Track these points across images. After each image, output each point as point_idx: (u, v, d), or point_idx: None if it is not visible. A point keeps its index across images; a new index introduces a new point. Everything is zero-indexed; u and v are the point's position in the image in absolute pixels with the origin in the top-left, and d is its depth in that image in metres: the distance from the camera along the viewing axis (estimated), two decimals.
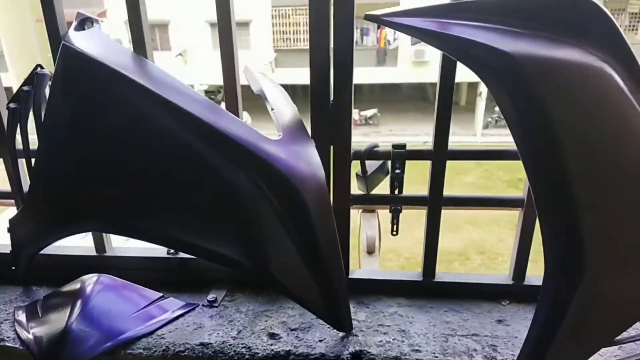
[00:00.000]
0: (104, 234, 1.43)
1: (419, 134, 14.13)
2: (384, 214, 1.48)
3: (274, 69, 18.16)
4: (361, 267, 2.12)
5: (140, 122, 1.04)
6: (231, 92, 1.24)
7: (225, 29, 1.19)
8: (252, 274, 1.18)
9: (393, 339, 1.17)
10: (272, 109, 1.15)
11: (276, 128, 1.09)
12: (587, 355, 1.07)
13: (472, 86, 17.84)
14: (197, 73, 16.65)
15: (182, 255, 1.40)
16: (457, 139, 13.53)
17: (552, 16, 0.86)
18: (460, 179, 11.32)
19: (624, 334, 1.10)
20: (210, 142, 1.00)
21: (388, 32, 16.88)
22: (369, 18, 0.90)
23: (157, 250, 1.42)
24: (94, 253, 1.44)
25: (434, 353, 1.12)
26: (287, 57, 18.02)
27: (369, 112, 16.83)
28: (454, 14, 0.88)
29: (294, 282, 1.10)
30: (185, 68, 16.80)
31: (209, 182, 1.04)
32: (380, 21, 0.88)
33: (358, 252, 2.21)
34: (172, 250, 1.41)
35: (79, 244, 1.49)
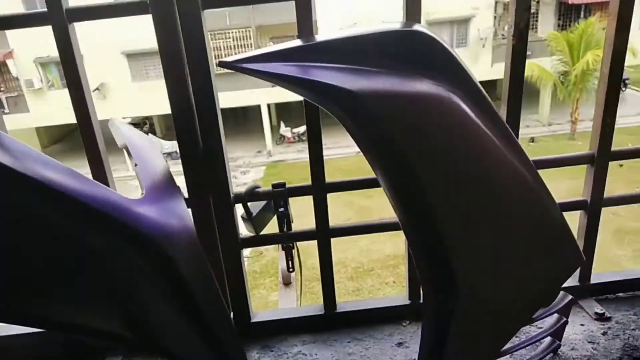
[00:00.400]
0: None
1: (350, 144, 14.40)
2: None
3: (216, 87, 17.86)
4: (279, 300, 2.09)
5: None
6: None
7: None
8: (137, 345, 1.11)
9: None
10: (136, 165, 1.10)
11: (140, 185, 1.05)
12: None
13: None
14: (118, 107, 16.08)
15: None
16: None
17: (394, 51, 0.89)
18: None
19: (511, 343, 1.15)
20: (68, 211, 0.94)
21: None
22: (222, 65, 0.89)
23: None
24: None
25: None
26: (219, 82, 17.74)
27: (301, 129, 16.99)
28: (305, 56, 0.90)
29: (180, 345, 1.05)
30: (105, 102, 16.17)
31: (71, 252, 0.98)
32: (235, 68, 0.88)
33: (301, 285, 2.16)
34: None
35: None
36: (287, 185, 1.23)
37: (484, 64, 13.60)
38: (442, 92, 0.90)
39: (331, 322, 1.34)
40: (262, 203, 1.28)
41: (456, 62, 0.91)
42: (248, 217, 1.26)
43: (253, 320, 1.34)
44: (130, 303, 1.02)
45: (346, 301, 1.37)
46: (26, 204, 0.94)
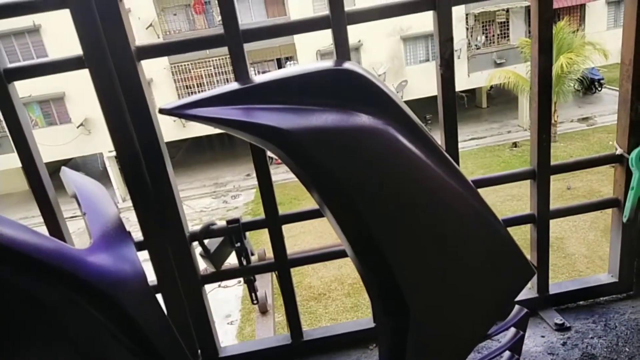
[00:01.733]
0: None
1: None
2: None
3: (184, 124, 17.95)
4: (256, 330, 2.10)
5: None
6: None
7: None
8: None
9: None
10: (85, 213, 1.12)
11: (88, 234, 1.06)
12: None
13: None
14: (103, 141, 16.06)
15: None
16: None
17: (327, 89, 0.93)
18: None
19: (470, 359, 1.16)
20: (15, 265, 0.96)
21: None
22: (162, 112, 0.91)
23: None
24: None
25: None
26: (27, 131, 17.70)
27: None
28: (241, 98, 0.93)
29: None
30: (91, 137, 16.17)
31: (24, 308, 0.98)
32: (176, 115, 0.91)
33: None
34: None
35: None
36: (242, 220, 1.26)
37: (461, 74, 13.86)
38: (377, 125, 0.93)
39: (299, 351, 1.35)
40: (220, 239, 1.30)
41: (387, 96, 0.95)
42: (206, 255, 1.28)
43: (221, 355, 1.35)
44: (89, 352, 1.03)
45: (313, 328, 1.38)
46: None
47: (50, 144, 13.94)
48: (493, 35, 15.37)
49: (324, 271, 8.53)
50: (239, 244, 1.27)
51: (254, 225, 1.27)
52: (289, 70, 1.04)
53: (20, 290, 0.98)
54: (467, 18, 14.45)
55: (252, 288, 1.34)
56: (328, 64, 1.02)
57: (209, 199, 14.15)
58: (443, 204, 1.02)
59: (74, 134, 15.87)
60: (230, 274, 1.33)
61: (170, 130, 17.18)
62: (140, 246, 1.20)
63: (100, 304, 0.98)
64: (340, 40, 1.11)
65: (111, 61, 1.07)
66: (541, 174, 1.26)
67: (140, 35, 17.90)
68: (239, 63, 1.11)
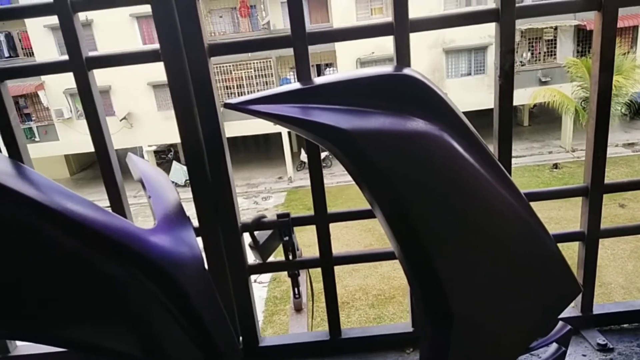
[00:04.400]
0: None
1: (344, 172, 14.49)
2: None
3: (223, 124, 18.34)
4: (289, 327, 2.14)
5: (11, 228, 1.05)
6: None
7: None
8: None
9: None
10: (149, 197, 1.19)
11: (152, 216, 1.13)
12: None
13: None
14: (144, 135, 16.61)
15: None
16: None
17: (386, 93, 0.97)
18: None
19: None
20: (86, 240, 1.03)
21: None
22: (228, 107, 0.98)
23: None
24: None
25: None
26: (233, 111, 18.25)
27: (321, 155, 17.19)
28: (303, 98, 0.98)
29: None
30: (132, 131, 16.74)
31: (88, 278, 1.06)
32: (240, 109, 0.97)
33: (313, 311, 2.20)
34: None
35: None
36: (292, 215, 1.30)
37: None
38: (432, 130, 0.96)
39: (336, 348, 1.38)
40: (269, 232, 1.35)
41: (444, 102, 0.98)
42: (255, 246, 1.33)
43: (261, 344, 1.40)
44: (142, 326, 1.09)
45: (350, 328, 1.41)
46: (48, 234, 1.03)
47: None
48: (539, 53, 15.04)
49: (349, 280, 8.50)
50: (287, 238, 1.31)
51: (303, 221, 1.32)
52: (348, 73, 1.08)
53: (87, 264, 1.05)
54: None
55: (295, 282, 1.38)
56: (388, 69, 1.05)
57: (241, 198, 14.37)
58: (494, 213, 1.03)
59: (117, 127, 16.46)
60: (276, 267, 1.38)
61: None
62: (195, 232, 1.26)
63: (160, 282, 1.04)
64: (402, 47, 1.14)
65: (185, 56, 1.14)
66: (594, 191, 1.25)
67: None
68: (303, 64, 1.16)
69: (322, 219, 1.29)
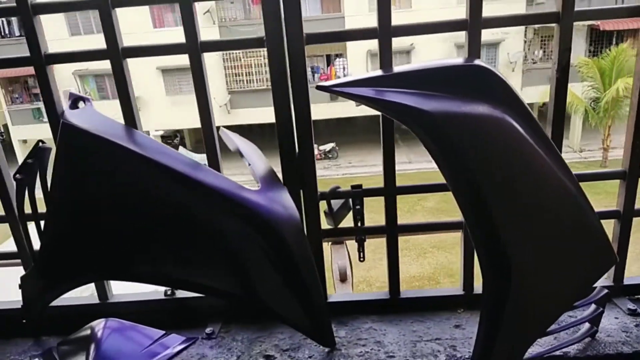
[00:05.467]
0: (105, 283, 1.58)
1: (376, 164, 14.68)
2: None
3: (229, 111, 18.49)
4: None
5: (135, 183, 1.24)
6: (210, 141, 1.45)
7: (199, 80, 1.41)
8: (246, 303, 1.38)
9: (371, 349, 1.39)
10: (249, 164, 1.38)
11: (255, 180, 1.32)
12: (526, 346, 1.31)
13: None
14: (152, 119, 16.72)
15: (178, 295, 1.58)
16: (414, 167, 14.14)
17: (459, 81, 1.15)
18: (422, 204, 11.79)
19: (555, 326, 1.35)
20: (201, 196, 1.22)
21: (338, 68, 17.67)
22: (320, 89, 1.16)
23: (155, 294, 1.59)
24: (97, 301, 1.59)
25: (406, 357, 1.35)
26: (241, 98, 18.44)
27: (328, 146, 17.32)
28: (386, 83, 1.17)
29: (282, 307, 1.30)
30: (140, 115, 16.85)
31: (202, 229, 1.25)
32: (331, 91, 1.15)
33: (332, 282, 2.41)
34: (169, 292, 1.58)
35: (81, 294, 1.64)
36: (363, 187, 1.49)
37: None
38: (498, 114, 1.14)
39: (395, 306, 1.57)
40: (341, 201, 1.53)
41: (510, 90, 1.15)
42: (330, 212, 1.52)
43: (329, 300, 1.59)
44: (247, 270, 1.29)
45: (408, 289, 1.60)
46: (165, 187, 1.22)
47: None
48: (551, 51, 15.09)
49: (354, 271, 8.73)
50: (358, 207, 1.50)
51: (373, 192, 1.50)
52: (423, 64, 1.25)
53: (209, 219, 1.24)
54: (525, 31, 14.26)
55: (361, 247, 1.57)
56: (459, 60, 1.24)
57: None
58: (550, 188, 1.22)
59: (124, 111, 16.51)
60: (347, 232, 1.56)
61: (216, 115, 17.68)
62: None
63: (267, 235, 1.23)
64: (474, 42, 1.32)
65: (285, 44, 1.32)
66: (632, 174, 1.44)
67: (198, 20, 18.45)
68: (385, 55, 1.34)
69: (390, 190, 1.47)
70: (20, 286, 1.46)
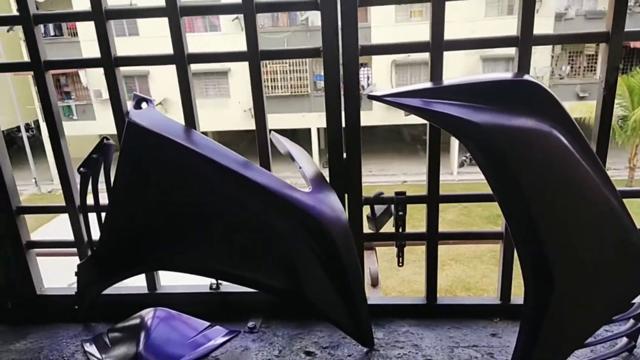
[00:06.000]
0: (155, 274, 1.66)
1: (396, 173, 14.68)
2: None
3: (253, 115, 18.64)
4: None
5: (192, 179, 1.31)
6: (262, 142, 1.52)
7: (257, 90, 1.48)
8: (292, 299, 1.43)
9: (409, 352, 1.43)
10: (300, 167, 1.44)
11: (305, 182, 1.38)
12: (564, 357, 1.34)
13: None
14: (178, 121, 16.96)
15: (223, 290, 1.65)
16: None
17: (508, 95, 1.19)
18: (442, 216, 11.67)
19: (592, 339, 1.37)
20: (254, 194, 1.28)
21: (362, 78, 17.70)
22: (372, 98, 1.22)
23: (201, 287, 1.66)
24: (146, 291, 1.67)
25: None
26: (266, 103, 18.58)
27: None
28: (435, 95, 1.22)
29: (326, 305, 1.36)
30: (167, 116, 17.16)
31: (254, 226, 1.31)
32: (382, 101, 1.21)
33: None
34: (214, 286, 1.65)
35: (131, 284, 1.72)
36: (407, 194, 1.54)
37: None
38: (546, 128, 1.18)
39: (431, 312, 1.61)
40: (384, 207, 1.58)
41: (558, 105, 1.19)
42: (372, 217, 1.57)
43: (369, 302, 1.63)
44: (295, 267, 1.35)
45: (444, 296, 1.64)
46: (238, 196, 1.28)
47: None
48: (579, 67, 14.93)
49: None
50: (401, 213, 1.55)
51: (416, 200, 1.55)
52: (471, 78, 1.30)
53: (259, 218, 1.30)
54: (553, 47, 14.13)
55: (401, 252, 1.61)
56: (508, 75, 1.28)
57: None
58: (594, 203, 1.24)
59: None
60: (387, 237, 1.61)
61: (239, 121, 17.93)
62: None
63: (316, 236, 1.29)
64: (525, 57, 1.36)
65: (340, 54, 1.38)
66: None
67: (227, 26, 18.80)
68: (437, 68, 1.39)
69: (433, 198, 1.52)
70: (76, 274, 1.55)
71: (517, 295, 1.61)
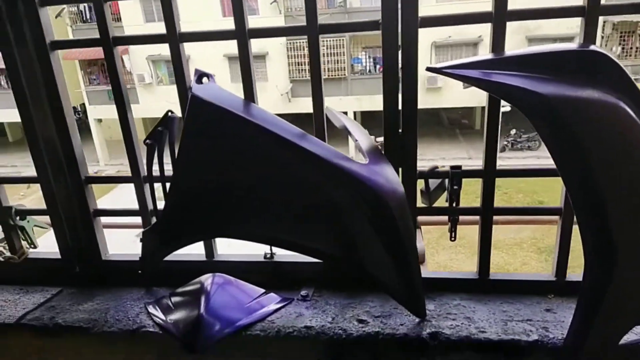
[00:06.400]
0: (212, 242, 1.73)
1: (434, 158, 14.44)
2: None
3: (290, 99, 18.79)
4: None
5: (252, 150, 1.35)
6: (320, 124, 1.55)
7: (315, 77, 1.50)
8: (348, 267, 1.47)
9: (461, 324, 1.44)
10: (356, 140, 1.46)
11: (362, 155, 1.40)
12: (623, 332, 1.32)
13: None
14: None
15: (276, 259, 1.70)
16: (473, 163, 13.80)
17: (573, 65, 1.16)
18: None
19: None
20: (311, 164, 1.31)
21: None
22: (430, 70, 1.22)
23: (255, 256, 1.72)
24: (204, 258, 1.75)
25: (497, 333, 1.39)
26: (302, 87, 18.73)
27: (382, 139, 17.21)
28: (496, 66, 1.20)
29: (383, 274, 1.38)
30: None
31: (311, 196, 1.35)
32: (441, 72, 1.21)
33: None
34: (268, 255, 1.71)
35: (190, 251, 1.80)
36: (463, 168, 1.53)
37: None
38: (613, 100, 1.14)
39: (484, 286, 1.61)
40: (438, 181, 1.58)
41: (626, 76, 1.15)
42: (426, 191, 1.57)
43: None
44: (352, 236, 1.38)
45: (497, 272, 1.63)
46: (299, 167, 1.32)
47: (170, 101, 15.33)
48: (631, 48, 14.14)
49: None
50: (456, 187, 1.54)
51: (471, 174, 1.54)
52: (534, 48, 1.27)
53: (317, 187, 1.34)
54: (604, 25, 13.43)
55: (454, 227, 1.61)
56: (573, 45, 1.25)
57: None
58: None
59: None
60: (441, 211, 1.61)
61: (277, 104, 18.05)
62: None
63: (372, 204, 1.31)
64: (591, 28, 1.32)
65: (399, 29, 1.38)
66: None
67: (265, 9, 18.83)
68: (499, 39, 1.37)
69: (490, 172, 1.51)
70: (141, 240, 1.63)
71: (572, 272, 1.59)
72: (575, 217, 1.27)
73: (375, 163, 1.38)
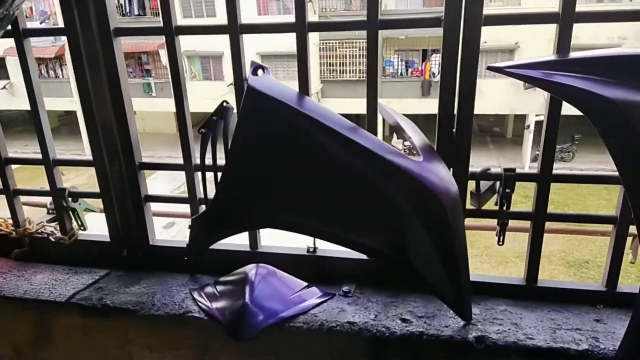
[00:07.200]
0: (257, 233, 1.75)
1: (472, 163, 14.13)
2: None
3: (320, 99, 18.82)
4: None
5: (305, 142, 1.35)
6: (372, 122, 1.55)
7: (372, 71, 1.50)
8: (395, 264, 1.47)
9: (508, 329, 1.42)
10: (410, 137, 1.45)
11: (416, 152, 1.39)
12: None
13: (519, 118, 17.80)
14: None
15: (319, 253, 1.71)
16: None
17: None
18: (515, 206, 11.21)
19: None
20: (364, 159, 1.31)
21: (433, 64, 17.28)
22: (491, 69, 1.21)
23: (298, 249, 1.73)
24: (247, 249, 1.77)
25: (546, 340, 1.36)
26: (332, 88, 18.76)
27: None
28: (560, 67, 1.18)
29: (429, 273, 1.37)
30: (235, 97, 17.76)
31: (365, 191, 1.35)
32: (503, 72, 1.19)
33: None
34: (311, 249, 1.71)
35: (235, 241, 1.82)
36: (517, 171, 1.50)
37: None
38: None
39: (531, 293, 1.58)
40: (489, 184, 1.56)
41: None
42: (477, 193, 1.55)
43: None
44: (402, 233, 1.37)
45: (545, 279, 1.60)
46: (355, 164, 1.32)
47: (203, 96, 15.58)
48: None
49: None
50: (508, 190, 1.52)
51: (525, 178, 1.51)
52: (598, 52, 1.23)
53: (368, 182, 1.33)
54: None
55: (503, 231, 1.59)
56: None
57: None
58: None
59: (223, 92, 17.49)
60: (490, 214, 1.59)
61: None
62: None
63: (424, 204, 1.30)
64: None
65: (462, 26, 1.36)
66: None
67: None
68: (564, 41, 1.33)
69: (545, 177, 1.47)
70: (190, 227, 1.67)
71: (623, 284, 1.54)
72: (636, 227, 1.22)
73: (428, 161, 1.37)
